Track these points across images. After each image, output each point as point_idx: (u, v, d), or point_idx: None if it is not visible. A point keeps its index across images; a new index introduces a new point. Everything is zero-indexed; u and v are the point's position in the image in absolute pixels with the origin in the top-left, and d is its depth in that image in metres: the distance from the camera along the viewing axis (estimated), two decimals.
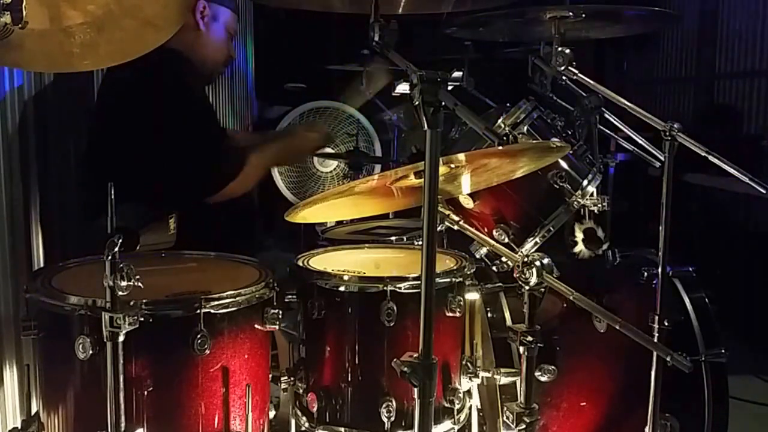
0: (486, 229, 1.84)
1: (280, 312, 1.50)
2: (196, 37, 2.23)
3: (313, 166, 3.95)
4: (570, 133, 1.88)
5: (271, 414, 1.63)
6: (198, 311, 1.36)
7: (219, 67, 2.38)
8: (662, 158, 1.64)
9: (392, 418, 1.57)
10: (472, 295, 1.78)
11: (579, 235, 1.83)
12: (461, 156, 1.40)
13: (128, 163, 1.98)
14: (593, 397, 1.93)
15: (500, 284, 1.95)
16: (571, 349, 1.93)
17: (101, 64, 1.68)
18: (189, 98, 2.14)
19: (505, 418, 1.56)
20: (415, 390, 1.19)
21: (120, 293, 1.21)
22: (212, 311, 1.38)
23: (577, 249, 1.84)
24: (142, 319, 1.27)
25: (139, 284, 1.22)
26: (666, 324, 1.65)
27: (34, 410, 1.49)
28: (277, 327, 1.51)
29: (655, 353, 1.62)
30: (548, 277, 1.48)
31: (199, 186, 2.05)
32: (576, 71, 1.80)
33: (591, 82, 1.80)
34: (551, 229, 1.80)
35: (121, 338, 1.23)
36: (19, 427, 1.45)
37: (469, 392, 1.78)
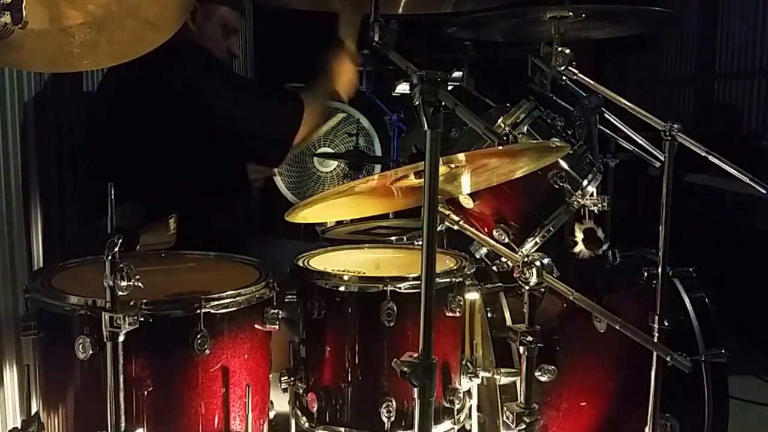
0: (486, 229, 1.84)
1: (280, 312, 1.50)
2: (187, 36, 2.21)
3: (313, 166, 3.94)
4: (570, 133, 1.88)
5: (271, 414, 1.63)
6: (198, 311, 1.36)
7: None
8: (662, 158, 1.64)
9: (392, 418, 1.57)
10: (472, 295, 1.78)
11: (579, 235, 1.83)
12: (461, 156, 1.40)
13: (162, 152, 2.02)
14: (593, 397, 1.93)
15: (500, 284, 1.95)
16: (571, 349, 1.93)
17: (101, 64, 1.68)
18: (223, 76, 2.17)
19: (505, 418, 1.56)
20: (415, 390, 1.19)
21: (120, 293, 1.21)
22: (212, 311, 1.38)
23: (577, 249, 1.84)
24: (142, 319, 1.27)
25: (139, 284, 1.22)
26: (666, 324, 1.65)
27: (34, 410, 1.49)
28: (277, 327, 1.51)
29: (655, 353, 1.62)
30: (548, 277, 1.48)
31: (276, 141, 2.15)
32: (576, 71, 1.80)
33: (591, 82, 1.80)
34: (551, 229, 1.80)
35: (121, 338, 1.23)
36: (19, 427, 1.45)
37: (469, 392, 1.78)
